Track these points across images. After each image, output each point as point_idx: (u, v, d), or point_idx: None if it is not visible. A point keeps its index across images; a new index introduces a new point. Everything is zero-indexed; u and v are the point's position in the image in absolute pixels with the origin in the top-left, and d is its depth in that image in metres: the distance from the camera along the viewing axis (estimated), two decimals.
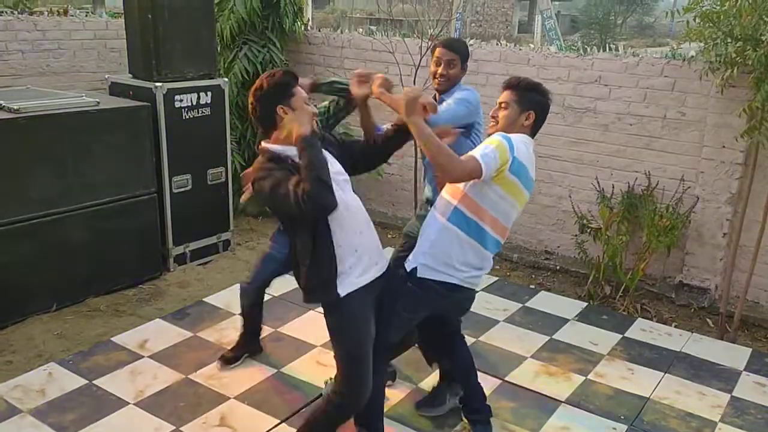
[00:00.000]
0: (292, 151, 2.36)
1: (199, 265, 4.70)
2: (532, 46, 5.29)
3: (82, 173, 3.97)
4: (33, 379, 3.23)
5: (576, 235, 4.64)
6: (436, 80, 3.05)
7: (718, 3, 3.75)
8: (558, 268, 4.88)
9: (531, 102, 2.58)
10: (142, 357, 3.46)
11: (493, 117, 2.64)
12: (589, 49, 4.82)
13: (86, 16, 5.81)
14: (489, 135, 2.61)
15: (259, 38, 5.48)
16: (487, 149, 2.44)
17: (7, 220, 3.67)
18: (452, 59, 3.01)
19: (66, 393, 3.14)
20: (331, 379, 2.91)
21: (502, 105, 2.60)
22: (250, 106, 2.42)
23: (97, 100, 4.09)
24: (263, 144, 2.45)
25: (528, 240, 5.17)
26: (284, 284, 3.60)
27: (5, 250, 3.67)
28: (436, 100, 2.95)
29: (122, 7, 4.64)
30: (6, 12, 5.56)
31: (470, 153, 2.48)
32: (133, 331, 3.72)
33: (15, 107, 3.68)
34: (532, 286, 4.66)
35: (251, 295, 3.34)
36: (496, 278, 4.68)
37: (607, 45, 4.96)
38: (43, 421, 2.94)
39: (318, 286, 2.42)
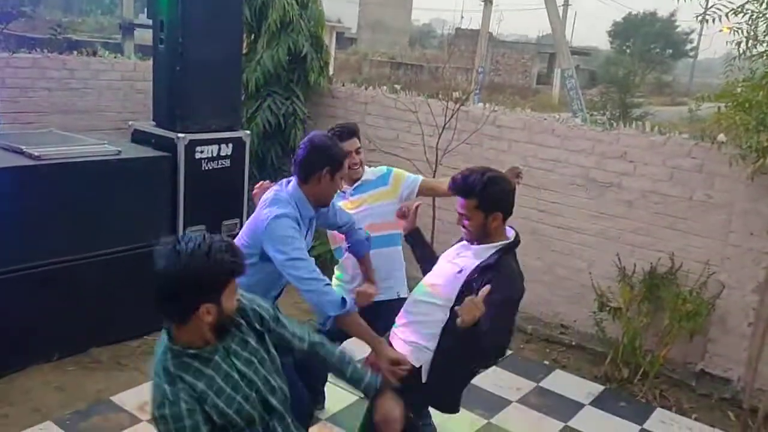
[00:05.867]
0: None
1: None
2: (557, 116, 5.24)
3: (96, 222, 3.92)
4: None
5: (594, 312, 4.51)
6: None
7: (752, 91, 3.70)
8: (574, 343, 4.73)
9: None
10: (141, 421, 3.34)
11: None
12: (615, 124, 4.78)
13: (115, 58, 5.86)
14: None
15: (283, 90, 5.49)
16: None
17: (17, 267, 3.61)
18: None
19: None
20: None
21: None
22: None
23: (119, 149, 4.07)
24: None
25: (543, 311, 5.04)
26: None
27: (11, 298, 3.60)
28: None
29: (151, 47, 4.65)
30: (36, 50, 5.63)
31: None
32: (134, 390, 3.60)
33: (36, 154, 3.66)
34: (546, 362, 4.51)
35: None
36: (509, 352, 4.54)
37: (626, 104, 4.93)
38: None
39: None
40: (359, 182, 3.21)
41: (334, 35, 19.51)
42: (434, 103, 5.28)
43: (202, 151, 4.36)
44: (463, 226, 2.50)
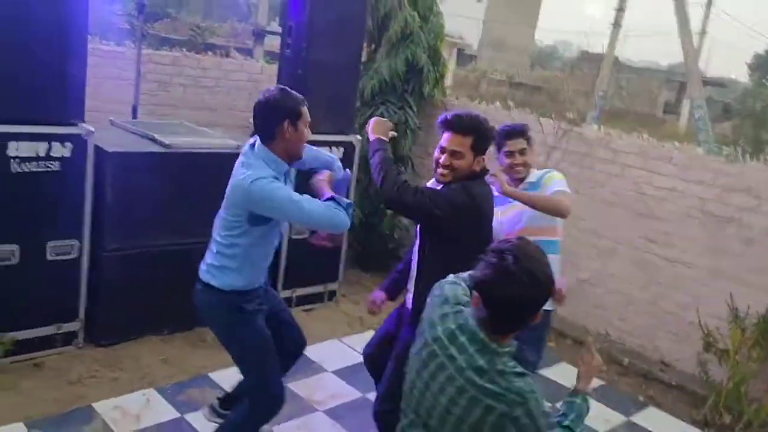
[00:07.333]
0: None
1: (303, 311, 4.79)
2: (677, 143, 5.00)
3: (214, 208, 4.19)
4: (132, 402, 3.41)
5: (699, 352, 4.26)
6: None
7: None
8: (673, 383, 4.49)
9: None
10: None
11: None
12: (740, 156, 4.51)
13: (244, 59, 6.26)
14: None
15: (397, 100, 5.63)
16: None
17: (143, 244, 3.95)
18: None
19: (157, 424, 3.29)
20: None
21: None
22: None
23: (239, 143, 4.34)
24: None
25: (643, 345, 4.82)
26: None
27: (138, 273, 3.94)
28: None
29: (279, 52, 4.92)
30: (176, 48, 6.14)
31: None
32: (231, 370, 3.79)
33: (167, 142, 3.99)
34: (641, 398, 4.31)
35: None
36: (601, 382, 4.38)
37: (760, 140, 4.63)
38: None
39: None
40: (523, 185, 3.04)
41: (455, 51, 19.57)
42: (546, 122, 5.22)
43: None
44: (448, 166, 2.53)
